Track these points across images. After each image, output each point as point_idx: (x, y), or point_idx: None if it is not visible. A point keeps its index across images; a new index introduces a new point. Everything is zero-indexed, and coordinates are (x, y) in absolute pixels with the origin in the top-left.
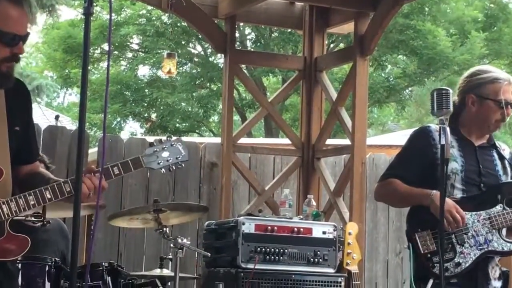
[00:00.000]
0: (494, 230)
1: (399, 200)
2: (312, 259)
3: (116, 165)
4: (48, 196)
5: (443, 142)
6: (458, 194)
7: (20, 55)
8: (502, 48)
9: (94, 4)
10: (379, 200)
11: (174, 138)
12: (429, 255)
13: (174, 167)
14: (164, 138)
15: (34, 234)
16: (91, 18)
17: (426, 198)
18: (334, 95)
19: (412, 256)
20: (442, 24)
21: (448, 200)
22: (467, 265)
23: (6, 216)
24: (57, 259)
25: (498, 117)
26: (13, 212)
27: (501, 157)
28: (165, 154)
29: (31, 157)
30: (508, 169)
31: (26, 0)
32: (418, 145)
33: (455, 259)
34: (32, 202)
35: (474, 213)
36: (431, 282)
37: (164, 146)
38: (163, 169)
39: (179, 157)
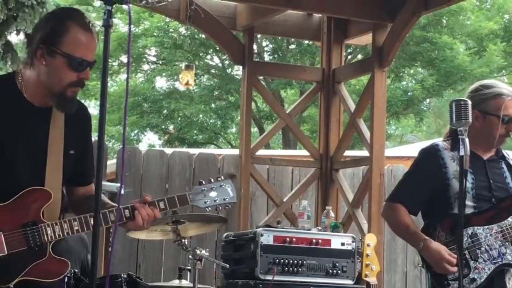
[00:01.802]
0: (507, 243)
1: (397, 233)
2: (330, 271)
3: (162, 200)
4: (92, 223)
5: (462, 153)
6: (469, 211)
7: (86, 81)
8: None
9: (113, 16)
10: (384, 218)
11: (224, 179)
12: (443, 273)
13: (220, 208)
14: (214, 178)
15: (54, 244)
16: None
17: (417, 244)
18: (352, 106)
19: (427, 275)
20: (460, 36)
21: (438, 248)
22: (482, 280)
23: (50, 238)
24: (76, 270)
25: (502, 132)
26: (57, 235)
27: (510, 168)
28: (213, 194)
29: (85, 180)
30: None
31: (95, 26)
32: (427, 167)
33: (470, 275)
34: (76, 228)
35: (486, 227)
36: None
37: (213, 186)
38: (209, 208)
39: (226, 198)
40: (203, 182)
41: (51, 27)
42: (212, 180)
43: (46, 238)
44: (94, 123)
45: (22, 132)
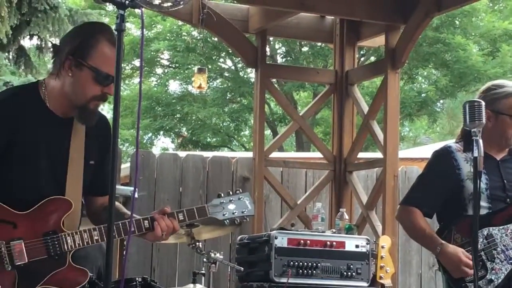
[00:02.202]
0: None
1: (413, 237)
2: (345, 273)
3: (181, 211)
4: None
5: (476, 154)
6: (484, 211)
7: (109, 96)
8: None
9: (126, 20)
10: (399, 222)
11: (242, 192)
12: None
13: (238, 220)
14: (232, 191)
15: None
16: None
17: (434, 248)
18: (365, 108)
19: (444, 278)
20: (473, 37)
21: (455, 251)
22: (499, 281)
23: (70, 248)
24: (91, 274)
25: None
26: (77, 245)
27: None
28: (231, 206)
29: (104, 190)
30: None
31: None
32: (440, 169)
33: (487, 276)
34: (96, 238)
35: (501, 227)
36: None
37: (232, 199)
38: (227, 221)
39: (244, 211)
40: (222, 195)
41: (81, 40)
42: (231, 193)
43: (66, 247)
44: None
45: (44, 141)
